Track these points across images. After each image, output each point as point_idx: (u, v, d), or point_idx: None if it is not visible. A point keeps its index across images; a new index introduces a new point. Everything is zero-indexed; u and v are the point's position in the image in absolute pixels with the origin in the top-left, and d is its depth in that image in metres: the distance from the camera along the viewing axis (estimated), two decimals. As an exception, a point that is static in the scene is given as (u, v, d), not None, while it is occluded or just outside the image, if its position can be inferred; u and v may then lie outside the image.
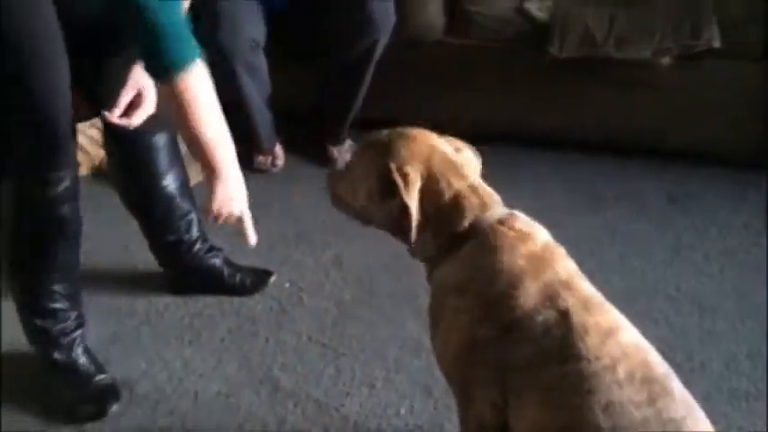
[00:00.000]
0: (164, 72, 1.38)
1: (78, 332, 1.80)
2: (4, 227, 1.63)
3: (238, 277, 2.10)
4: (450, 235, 1.28)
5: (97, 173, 2.59)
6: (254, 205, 2.49)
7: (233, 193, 1.54)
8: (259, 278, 2.15)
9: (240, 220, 1.61)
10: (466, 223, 1.27)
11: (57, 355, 1.78)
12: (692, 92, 2.62)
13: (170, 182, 1.92)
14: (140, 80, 1.61)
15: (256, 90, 2.55)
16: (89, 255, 2.16)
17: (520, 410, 1.22)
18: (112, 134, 1.81)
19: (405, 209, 1.25)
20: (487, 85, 2.74)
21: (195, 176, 2.04)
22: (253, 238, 1.64)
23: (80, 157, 2.24)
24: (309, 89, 2.73)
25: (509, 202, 2.65)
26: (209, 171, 1.49)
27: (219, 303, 2.09)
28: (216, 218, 1.56)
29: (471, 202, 1.28)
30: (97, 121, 2.07)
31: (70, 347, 1.78)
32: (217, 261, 2.10)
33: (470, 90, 2.75)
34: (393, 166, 1.26)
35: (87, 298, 1.92)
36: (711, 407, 1.73)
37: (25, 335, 1.78)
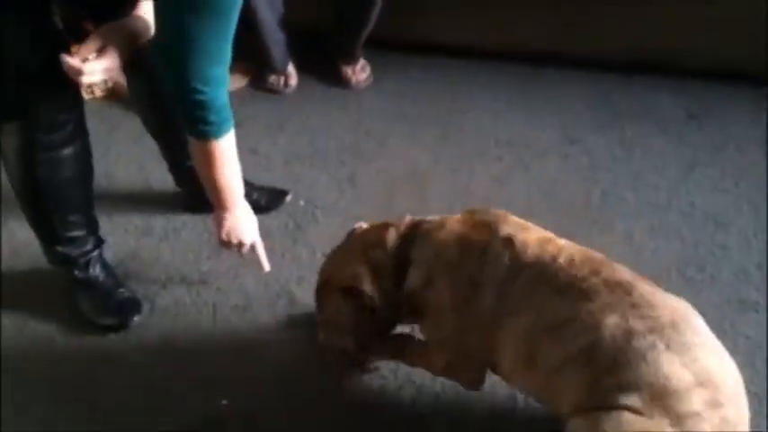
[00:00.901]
0: (203, 135, 1.52)
1: (96, 252, 1.84)
2: (13, 170, 1.64)
3: (255, 196, 2.11)
4: (394, 267, 1.49)
5: (113, 96, 2.59)
6: (268, 125, 2.53)
7: (241, 224, 1.72)
8: (275, 197, 2.18)
9: (253, 249, 1.80)
10: (391, 244, 1.51)
11: (77, 273, 1.82)
12: (714, 7, 2.54)
13: None
14: (107, 36, 1.54)
15: (269, 9, 2.51)
16: (105, 175, 2.19)
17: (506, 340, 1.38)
18: (132, 61, 1.79)
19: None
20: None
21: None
22: (266, 265, 1.84)
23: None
24: (323, 8, 2.68)
25: (533, 120, 2.66)
26: (219, 208, 1.68)
27: (236, 221, 2.12)
28: (227, 245, 1.75)
29: (385, 234, 1.53)
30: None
31: (88, 265, 1.82)
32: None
33: (488, 10, 2.70)
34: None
35: (105, 217, 1.96)
36: (721, 316, 1.78)
37: (45, 257, 1.82)
